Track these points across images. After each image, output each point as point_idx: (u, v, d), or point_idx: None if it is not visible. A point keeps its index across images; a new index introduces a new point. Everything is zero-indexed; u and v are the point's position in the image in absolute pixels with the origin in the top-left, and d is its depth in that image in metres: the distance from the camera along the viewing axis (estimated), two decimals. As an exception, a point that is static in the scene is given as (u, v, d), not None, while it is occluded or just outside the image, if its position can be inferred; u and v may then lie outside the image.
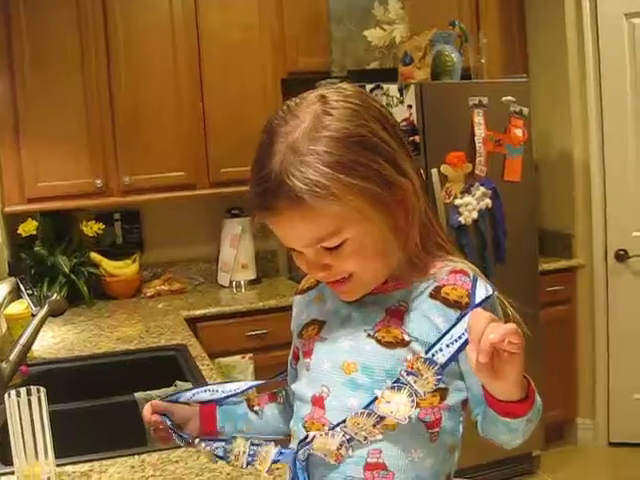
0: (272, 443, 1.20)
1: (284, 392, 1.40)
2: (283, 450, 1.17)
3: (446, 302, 1.12)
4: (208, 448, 1.26)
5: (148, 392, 2.28)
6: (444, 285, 1.14)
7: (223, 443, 1.24)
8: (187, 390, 1.41)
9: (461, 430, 1.18)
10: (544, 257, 4.17)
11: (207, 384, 1.44)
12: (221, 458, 1.24)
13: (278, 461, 1.17)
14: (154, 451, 1.79)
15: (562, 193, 4.35)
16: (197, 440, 1.29)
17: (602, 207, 4.20)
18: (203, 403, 1.39)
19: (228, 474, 1.62)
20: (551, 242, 4.36)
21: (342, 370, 1.14)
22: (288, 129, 1.08)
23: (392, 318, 1.14)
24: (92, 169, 3.71)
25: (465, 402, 1.17)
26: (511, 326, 0.96)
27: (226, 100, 3.86)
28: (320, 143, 1.06)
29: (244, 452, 1.21)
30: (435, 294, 1.14)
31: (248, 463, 1.20)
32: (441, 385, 1.10)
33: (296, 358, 1.28)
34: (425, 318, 1.12)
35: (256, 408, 1.40)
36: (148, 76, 3.77)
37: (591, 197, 4.21)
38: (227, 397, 1.38)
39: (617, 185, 4.16)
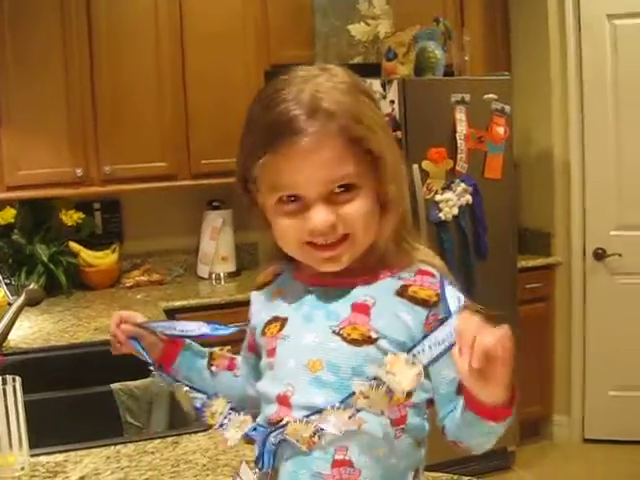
0: (250, 416, 1.19)
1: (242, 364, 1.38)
2: (258, 427, 1.16)
3: (414, 300, 1.12)
4: (189, 394, 1.27)
5: (125, 383, 2.28)
6: (411, 285, 1.13)
7: (205, 397, 1.24)
8: (159, 321, 1.41)
9: (427, 426, 1.17)
10: (523, 254, 4.19)
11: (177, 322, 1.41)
12: (197, 409, 1.25)
13: (249, 437, 1.16)
14: (130, 442, 1.78)
15: (542, 191, 4.37)
16: (179, 383, 1.32)
17: (581, 206, 4.23)
18: (171, 338, 1.37)
19: (204, 465, 1.62)
20: (530, 240, 4.38)
21: (307, 368, 1.13)
22: (305, 74, 1.12)
23: (358, 314, 1.12)
24: (73, 158, 3.69)
25: (430, 402, 1.17)
26: (504, 331, 0.95)
27: (208, 92, 3.85)
28: (345, 84, 1.12)
29: (221, 413, 1.20)
30: (402, 292, 1.13)
31: (221, 425, 1.19)
32: None
33: (251, 350, 1.27)
34: (394, 315, 1.12)
35: (213, 368, 1.37)
36: (130, 66, 3.75)
37: (570, 196, 4.24)
38: (196, 336, 1.37)
39: (596, 184, 4.19)
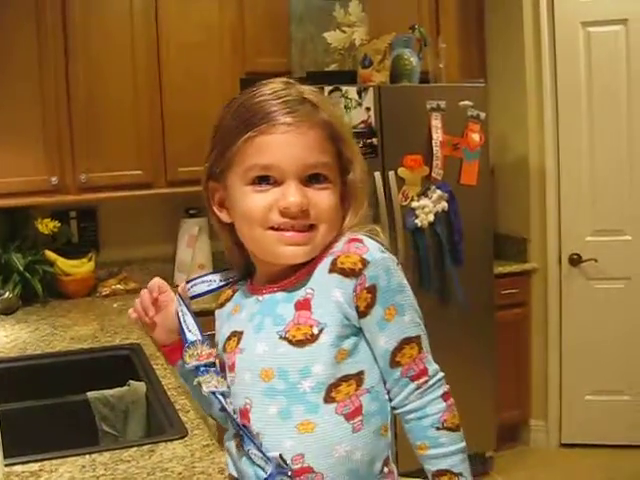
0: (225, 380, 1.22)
1: None
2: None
3: (343, 272, 1.12)
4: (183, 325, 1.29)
5: (101, 391, 2.27)
6: (339, 256, 1.14)
7: (196, 338, 1.26)
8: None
9: (389, 407, 1.17)
10: (499, 260, 4.21)
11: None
12: (184, 341, 1.27)
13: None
14: (105, 450, 1.77)
15: (517, 197, 4.40)
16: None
17: (556, 212, 4.26)
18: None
19: (180, 474, 1.61)
20: (506, 246, 4.41)
21: (261, 378, 1.14)
22: (282, 80, 1.20)
23: (301, 311, 1.14)
24: (48, 166, 3.66)
25: None
26: None
27: (185, 99, 3.85)
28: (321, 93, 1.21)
29: (198, 357, 1.23)
30: (332, 267, 1.14)
31: (197, 368, 1.23)
32: (353, 370, 1.12)
33: (223, 370, 1.26)
34: (328, 298, 1.13)
35: None
36: (106, 73, 3.74)
37: (546, 202, 4.27)
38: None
39: (571, 190, 4.22)
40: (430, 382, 1.15)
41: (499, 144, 4.34)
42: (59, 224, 3.87)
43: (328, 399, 1.10)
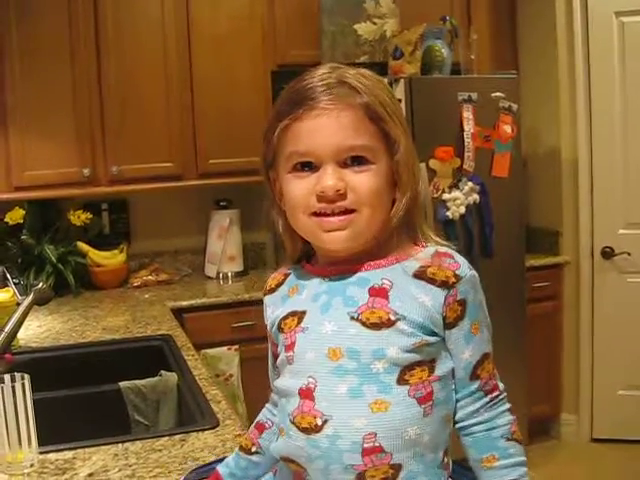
0: None
1: (268, 414, 1.35)
2: None
3: (433, 282, 1.13)
4: None
5: (133, 381, 2.29)
6: (429, 266, 1.14)
7: None
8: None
9: (454, 398, 1.17)
10: (531, 253, 4.18)
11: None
12: None
13: None
14: (138, 439, 1.79)
15: (550, 190, 4.36)
16: None
17: (589, 204, 4.22)
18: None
19: (211, 463, 1.62)
20: (538, 238, 4.37)
21: (328, 358, 1.13)
22: (331, 65, 1.18)
23: (376, 298, 1.13)
24: (80, 158, 3.70)
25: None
26: None
27: (215, 91, 3.86)
28: (371, 75, 1.17)
29: None
30: (420, 274, 1.13)
31: None
32: (427, 357, 1.11)
33: (276, 357, 1.25)
34: (411, 297, 1.12)
35: (254, 449, 1.34)
36: (138, 66, 3.76)
37: (578, 194, 4.23)
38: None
39: (604, 182, 4.18)
40: (500, 397, 1.20)
41: (531, 136, 4.31)
42: (91, 216, 3.91)
43: (402, 381, 1.10)
